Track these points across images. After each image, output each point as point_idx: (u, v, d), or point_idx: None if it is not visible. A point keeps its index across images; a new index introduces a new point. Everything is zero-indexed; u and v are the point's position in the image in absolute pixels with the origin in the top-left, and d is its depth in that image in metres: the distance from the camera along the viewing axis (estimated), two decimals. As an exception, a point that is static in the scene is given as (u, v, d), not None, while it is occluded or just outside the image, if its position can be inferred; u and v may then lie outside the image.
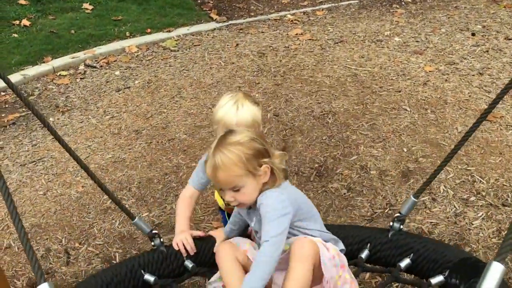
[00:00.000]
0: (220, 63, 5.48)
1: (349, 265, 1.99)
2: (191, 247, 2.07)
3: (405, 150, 3.72)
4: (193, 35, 6.44)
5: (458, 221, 3.03)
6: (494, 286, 1.19)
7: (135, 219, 2.12)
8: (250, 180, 1.76)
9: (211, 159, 1.76)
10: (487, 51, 5.22)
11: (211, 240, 2.17)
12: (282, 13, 6.91)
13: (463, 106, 4.23)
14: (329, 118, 4.20)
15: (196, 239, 2.13)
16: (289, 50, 5.65)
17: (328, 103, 4.43)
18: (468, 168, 3.47)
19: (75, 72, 5.72)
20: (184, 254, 2.08)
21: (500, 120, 3.99)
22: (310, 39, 5.91)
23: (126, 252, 3.01)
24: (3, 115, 4.85)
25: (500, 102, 4.21)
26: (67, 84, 5.44)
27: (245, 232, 2.18)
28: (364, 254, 2.10)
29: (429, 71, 4.91)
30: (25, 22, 6.80)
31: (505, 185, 3.29)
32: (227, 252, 1.92)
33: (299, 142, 3.92)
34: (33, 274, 2.89)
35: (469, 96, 4.40)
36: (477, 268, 1.75)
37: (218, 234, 2.19)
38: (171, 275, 2.09)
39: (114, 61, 5.94)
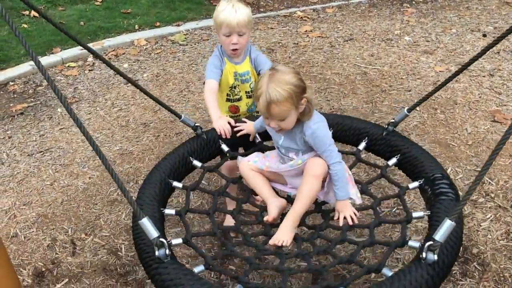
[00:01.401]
0: (229, 58, 5.45)
1: (347, 154, 2.59)
2: (229, 131, 2.51)
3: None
4: (202, 30, 6.43)
5: (466, 222, 3.01)
6: (444, 235, 1.63)
7: (182, 117, 2.55)
8: (293, 112, 2.10)
9: (265, 94, 2.04)
10: (498, 52, 5.18)
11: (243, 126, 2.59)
12: (292, 9, 6.89)
13: (473, 107, 4.20)
14: (338, 116, 4.17)
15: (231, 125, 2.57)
16: (298, 46, 5.63)
17: (337, 100, 4.40)
18: (477, 169, 3.44)
19: (83, 64, 5.72)
20: (225, 136, 2.50)
21: (510, 122, 3.95)
22: (319, 36, 5.88)
23: (132, 244, 3.00)
24: (11, 105, 4.86)
25: (511, 104, 4.19)
26: (75, 75, 5.44)
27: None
28: (362, 146, 2.53)
29: (439, 71, 4.87)
30: (34, 12, 6.79)
31: (515, 187, 3.26)
32: (246, 167, 2.39)
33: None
34: (39, 263, 2.90)
35: (479, 97, 4.37)
36: (443, 187, 2.08)
37: (248, 126, 2.59)
38: (211, 157, 2.54)
39: (122, 54, 5.93)
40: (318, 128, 2.15)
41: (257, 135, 2.60)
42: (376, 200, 2.26)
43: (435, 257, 1.66)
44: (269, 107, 2.06)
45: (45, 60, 5.72)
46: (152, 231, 1.70)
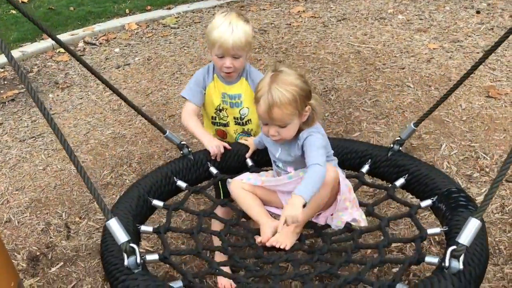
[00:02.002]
0: (221, 40, 5.40)
1: (350, 177, 2.26)
2: (221, 154, 2.29)
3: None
4: (193, 12, 6.36)
5: (462, 196, 3.00)
6: (470, 237, 1.38)
7: (166, 133, 2.30)
8: (296, 118, 1.92)
9: (267, 95, 1.86)
10: (492, 28, 5.15)
11: (235, 148, 2.37)
12: (284, -10, 6.80)
13: (467, 83, 4.17)
14: (332, 95, 4.15)
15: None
16: (291, 27, 5.58)
17: (331, 79, 4.37)
18: (472, 145, 3.43)
19: (74, 49, 5.64)
20: (219, 159, 2.29)
21: (504, 97, 3.94)
22: (312, 17, 5.82)
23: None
24: (1, 91, 4.81)
25: (506, 79, 4.18)
26: (66, 61, 5.38)
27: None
28: (365, 169, 2.30)
29: (433, 49, 4.84)
30: (23, -1, 6.72)
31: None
32: (238, 186, 2.15)
33: (301, 119, 3.88)
34: (33, 247, 2.88)
35: (474, 73, 4.33)
36: (461, 200, 1.88)
37: (249, 142, 2.37)
38: (198, 180, 2.31)
39: (113, 38, 5.87)
40: (315, 136, 1.96)
41: (248, 160, 2.35)
42: (384, 220, 2.04)
43: (461, 265, 1.40)
44: (271, 110, 1.86)
45: (35, 46, 5.67)
46: (121, 235, 1.45)
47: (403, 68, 4.49)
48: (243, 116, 2.36)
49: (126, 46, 5.62)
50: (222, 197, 2.43)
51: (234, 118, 2.37)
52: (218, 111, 2.37)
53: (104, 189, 3.32)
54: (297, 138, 1.99)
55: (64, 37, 5.81)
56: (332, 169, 1.97)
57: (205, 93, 2.34)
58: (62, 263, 2.77)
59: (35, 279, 2.67)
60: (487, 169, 3.20)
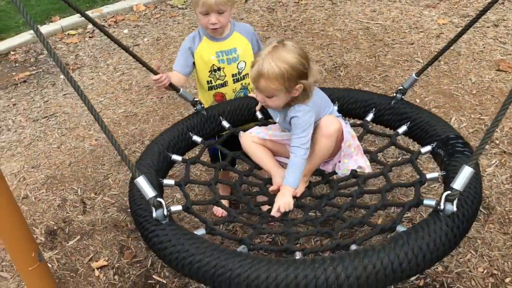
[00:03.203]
0: (229, 19, 5.40)
1: (355, 126, 2.38)
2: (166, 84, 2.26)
3: (418, 101, 3.68)
4: (201, -7, 6.33)
5: (472, 168, 3.02)
6: (463, 183, 1.49)
7: (180, 91, 2.35)
8: (283, 94, 1.96)
9: (259, 64, 1.91)
10: (503, 2, 5.10)
11: (245, 102, 2.47)
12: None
13: (477, 57, 4.16)
14: (341, 71, 4.16)
15: (232, 99, 2.47)
16: (299, 5, 5.55)
17: (340, 56, 4.37)
18: (482, 118, 3.44)
19: (83, 31, 5.69)
20: (163, 86, 2.27)
21: (515, 71, 3.93)
22: (320, -6, 5.79)
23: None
24: (13, 73, 4.86)
25: (515, 53, 4.15)
26: (76, 43, 5.41)
27: None
28: (369, 117, 2.41)
29: (442, 24, 4.81)
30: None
31: (519, 133, 3.27)
32: (249, 140, 2.28)
33: (310, 95, 3.90)
34: (51, 222, 2.95)
35: (484, 47, 4.32)
36: (458, 146, 1.97)
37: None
38: (211, 133, 2.43)
39: (122, 20, 5.88)
40: (299, 116, 2.02)
41: (258, 113, 2.46)
42: (387, 167, 2.16)
43: (454, 208, 1.51)
44: (258, 79, 1.94)
45: (44, 29, 5.68)
46: (148, 190, 1.56)
47: (412, 44, 4.48)
48: (240, 71, 2.42)
49: (134, 27, 5.64)
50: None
51: (232, 75, 2.41)
52: (213, 72, 2.38)
53: (118, 166, 3.38)
54: (287, 110, 2.07)
55: (73, 19, 5.84)
56: (335, 121, 2.09)
57: (194, 62, 2.37)
58: (79, 236, 2.84)
59: (53, 252, 2.74)
60: (497, 141, 3.21)
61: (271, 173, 2.22)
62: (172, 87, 2.32)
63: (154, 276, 2.53)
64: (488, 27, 4.66)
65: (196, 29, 2.44)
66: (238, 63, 2.39)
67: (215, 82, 2.42)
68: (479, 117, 3.45)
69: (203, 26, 2.30)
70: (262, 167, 2.29)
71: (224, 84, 2.43)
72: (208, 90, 2.45)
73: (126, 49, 2.18)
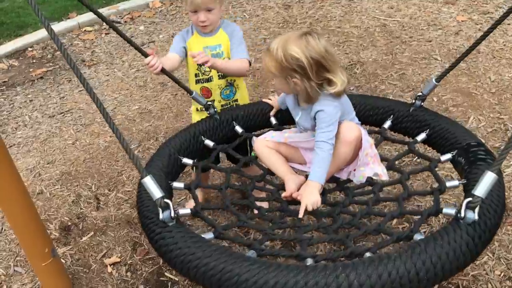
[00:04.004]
0: (244, 15, 5.38)
1: (372, 133, 2.34)
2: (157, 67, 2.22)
3: (435, 99, 3.62)
4: (217, -11, 6.31)
5: (490, 168, 2.96)
6: (485, 190, 1.42)
7: (193, 94, 2.36)
8: (283, 80, 1.96)
9: (273, 41, 1.94)
10: (524, -1, 4.99)
11: (260, 107, 2.46)
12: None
13: (497, 55, 4.07)
14: (357, 69, 4.11)
15: (246, 104, 2.50)
16: (315, 2, 5.50)
17: (356, 53, 4.32)
18: (501, 117, 3.37)
19: (100, 28, 5.71)
20: (155, 69, 2.22)
21: (536, 69, 3.84)
22: (337, -9, 5.73)
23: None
24: (31, 69, 4.90)
25: (537, 51, 4.05)
26: (92, 39, 5.44)
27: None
28: (387, 124, 2.34)
29: (462, 21, 4.72)
30: (49, -22, 6.77)
31: (540, 133, 3.19)
32: (263, 145, 2.24)
33: (325, 93, 3.86)
34: (65, 218, 2.97)
35: (504, 45, 4.23)
36: (480, 154, 1.90)
37: (273, 102, 2.44)
38: (224, 138, 2.38)
39: (138, 17, 5.90)
40: (325, 110, 1.97)
41: (272, 118, 2.44)
42: (405, 174, 2.09)
43: (476, 216, 1.44)
44: (265, 55, 1.98)
45: (62, 25, 5.73)
46: (155, 191, 1.51)
47: (430, 41, 4.40)
48: None
49: (150, 24, 5.65)
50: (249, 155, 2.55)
51: (217, 71, 2.42)
52: (200, 66, 2.39)
53: (132, 162, 3.38)
54: (313, 105, 2.03)
55: (90, 15, 5.86)
56: (355, 128, 2.03)
57: (186, 51, 2.42)
58: (92, 232, 2.85)
59: (67, 248, 2.76)
60: (517, 141, 3.14)
61: (284, 179, 2.16)
62: (185, 89, 2.37)
63: (166, 274, 2.53)
64: (508, 24, 4.55)
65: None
66: (223, 58, 2.40)
67: (201, 76, 2.47)
68: (498, 117, 3.38)
69: (193, 23, 2.38)
70: (275, 172, 2.24)
71: (209, 79, 2.47)
72: (196, 83, 2.50)
73: (121, 33, 2.20)
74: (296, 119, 2.18)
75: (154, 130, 3.70)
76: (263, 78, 4.15)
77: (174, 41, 2.46)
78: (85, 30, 5.67)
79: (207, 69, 2.42)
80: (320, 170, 1.96)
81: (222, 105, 2.54)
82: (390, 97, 3.68)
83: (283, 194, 2.09)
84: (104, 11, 6.01)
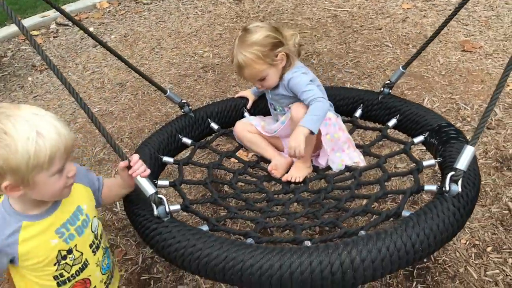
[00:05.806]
0: (196, 12, 5.38)
1: (344, 122, 2.37)
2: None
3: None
4: (165, -13, 6.27)
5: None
6: (466, 163, 1.50)
7: (168, 92, 2.39)
8: (271, 69, 2.07)
9: (235, 59, 2.05)
10: (462, -15, 5.26)
11: (233, 103, 2.50)
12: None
13: (443, 40, 4.30)
14: (314, 59, 4.22)
15: (220, 101, 2.52)
16: (265, -4, 5.58)
17: (311, 44, 4.43)
18: (453, 97, 3.57)
19: (47, 32, 5.54)
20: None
21: (479, 50, 4.08)
22: (285, -16, 5.83)
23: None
24: (-23, 78, 4.70)
25: (479, 33, 4.31)
26: (40, 43, 5.26)
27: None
28: (358, 113, 2.43)
29: (407, 9, 4.94)
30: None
31: (489, 110, 3.40)
32: (243, 129, 2.33)
33: (286, 84, 3.94)
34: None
35: (448, 29, 4.46)
36: (451, 133, 2.00)
37: (247, 94, 2.50)
38: (201, 135, 2.45)
39: (86, 18, 5.76)
40: (293, 76, 2.10)
41: (246, 113, 2.48)
42: (382, 158, 2.18)
43: (459, 188, 1.53)
44: (241, 71, 2.05)
45: (5, 31, 5.52)
46: (148, 187, 1.52)
47: (380, 29, 4.58)
48: (95, 231, 1.58)
49: (100, 25, 5.54)
50: None
51: (90, 245, 1.55)
52: (62, 259, 1.46)
53: (99, 165, 3.34)
54: (281, 79, 2.16)
55: (34, 19, 5.68)
56: (303, 107, 2.09)
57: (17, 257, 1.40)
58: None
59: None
60: (469, 119, 3.34)
61: (270, 158, 2.26)
62: (158, 88, 2.38)
63: (147, 272, 2.53)
64: (450, 9, 4.80)
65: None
66: (91, 222, 1.55)
67: (69, 271, 1.50)
68: (450, 97, 3.58)
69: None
70: (260, 153, 2.32)
71: (84, 267, 1.54)
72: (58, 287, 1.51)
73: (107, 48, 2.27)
74: (270, 97, 2.28)
75: (118, 131, 3.65)
76: (223, 73, 4.19)
77: None
78: (30, 35, 5.47)
79: (76, 255, 1.50)
80: (310, 117, 1.98)
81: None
82: (348, 85, 3.82)
83: (269, 168, 2.23)
84: (50, 13, 5.83)
